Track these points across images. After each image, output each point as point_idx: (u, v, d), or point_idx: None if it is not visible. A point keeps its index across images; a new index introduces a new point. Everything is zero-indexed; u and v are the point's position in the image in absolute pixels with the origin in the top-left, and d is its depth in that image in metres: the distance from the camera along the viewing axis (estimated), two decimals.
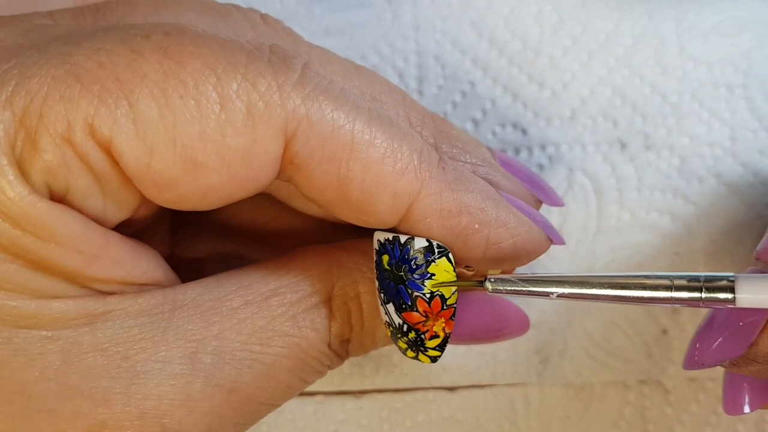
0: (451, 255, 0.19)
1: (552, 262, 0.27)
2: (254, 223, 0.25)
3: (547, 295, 0.19)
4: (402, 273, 0.19)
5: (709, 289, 0.18)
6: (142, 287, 0.19)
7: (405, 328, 0.19)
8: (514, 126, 0.27)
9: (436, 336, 0.19)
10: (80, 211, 0.18)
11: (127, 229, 0.20)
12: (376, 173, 0.18)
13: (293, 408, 0.28)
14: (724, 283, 0.18)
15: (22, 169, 0.17)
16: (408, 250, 0.19)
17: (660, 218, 0.27)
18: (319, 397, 0.28)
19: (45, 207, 0.17)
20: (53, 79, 0.17)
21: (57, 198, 0.17)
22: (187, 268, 0.22)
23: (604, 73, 0.27)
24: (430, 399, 0.28)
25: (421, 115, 0.21)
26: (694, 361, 0.21)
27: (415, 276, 0.19)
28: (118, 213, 0.19)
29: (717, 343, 0.20)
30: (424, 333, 0.19)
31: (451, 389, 0.28)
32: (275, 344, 0.20)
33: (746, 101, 0.26)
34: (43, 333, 0.18)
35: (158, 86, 0.17)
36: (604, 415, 0.28)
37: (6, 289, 0.17)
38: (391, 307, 0.19)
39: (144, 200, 0.19)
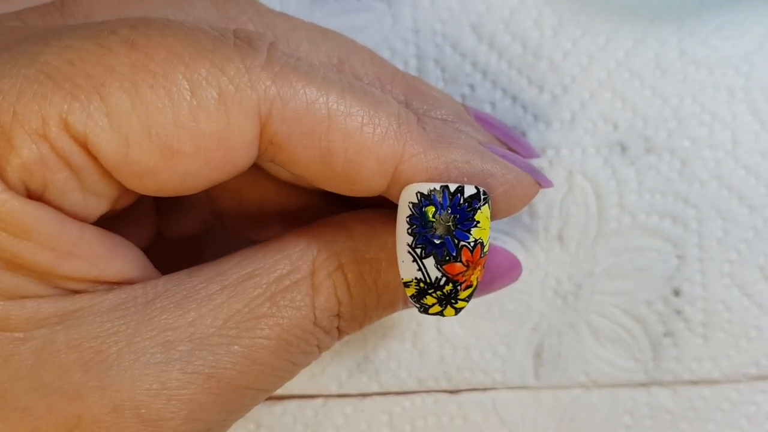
0: (490, 201, 0.20)
1: (552, 265, 0.27)
2: (234, 192, 0.24)
3: None
4: (451, 223, 0.19)
5: None
6: (114, 285, 0.19)
7: (443, 281, 0.19)
8: (514, 129, 0.27)
9: (470, 286, 0.20)
10: (60, 206, 0.18)
11: (109, 213, 0.20)
12: (357, 141, 0.18)
13: (294, 411, 0.28)
14: None
15: None
16: (458, 199, 0.19)
17: (661, 221, 0.27)
18: (319, 401, 0.28)
19: (18, 204, 0.17)
20: (24, 78, 0.17)
21: (35, 196, 0.18)
22: (177, 247, 0.22)
23: (605, 76, 0.27)
24: (431, 402, 0.28)
25: (391, 74, 0.22)
26: None
27: (464, 225, 0.19)
28: (98, 205, 0.19)
29: None
30: (461, 284, 0.19)
31: (451, 392, 0.28)
32: (253, 327, 0.19)
33: (748, 104, 0.26)
34: (16, 335, 0.18)
35: (128, 78, 0.17)
36: (605, 418, 0.28)
37: None
38: (430, 261, 0.19)
39: (124, 190, 0.19)
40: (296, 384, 0.28)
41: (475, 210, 0.19)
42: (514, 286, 0.27)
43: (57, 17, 0.20)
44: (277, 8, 0.27)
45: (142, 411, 0.18)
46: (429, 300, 0.20)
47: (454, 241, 0.19)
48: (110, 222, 0.22)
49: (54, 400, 0.18)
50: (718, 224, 0.27)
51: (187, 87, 0.17)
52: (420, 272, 0.19)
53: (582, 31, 0.27)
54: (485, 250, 0.19)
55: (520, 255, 0.27)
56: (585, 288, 0.27)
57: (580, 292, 0.27)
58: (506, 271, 0.24)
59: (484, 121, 0.23)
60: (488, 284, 0.24)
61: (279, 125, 0.18)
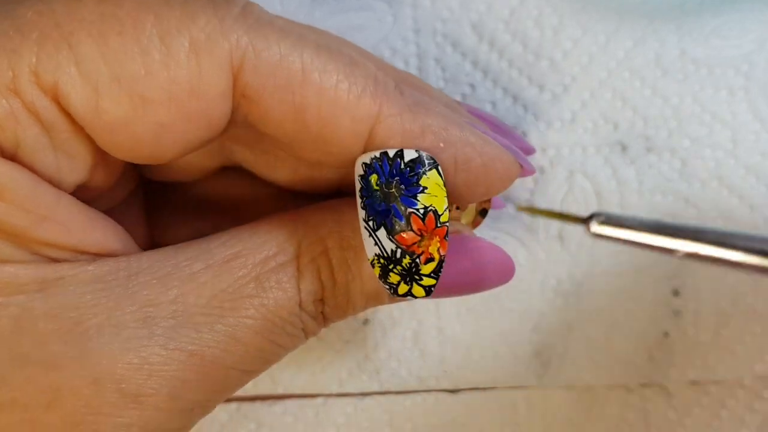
0: (440, 167, 0.19)
1: (552, 264, 0.27)
2: (229, 200, 0.24)
3: (671, 251, 0.15)
4: (393, 189, 0.18)
5: None
6: (96, 256, 0.19)
7: (399, 253, 0.19)
8: (515, 129, 0.27)
9: (431, 259, 0.19)
10: (31, 167, 0.18)
11: (95, 203, 0.20)
12: (331, 98, 0.18)
13: (294, 410, 0.28)
14: None
15: None
16: (398, 164, 0.18)
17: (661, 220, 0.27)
18: (320, 400, 0.28)
19: None
20: None
21: (7, 155, 0.17)
22: None
23: (605, 75, 0.27)
24: (432, 402, 0.28)
25: (380, 62, 0.21)
26: None
27: (408, 190, 0.18)
28: (72, 170, 0.19)
29: None
30: (419, 256, 0.19)
31: (452, 392, 0.28)
32: (238, 306, 0.19)
33: (748, 104, 0.26)
34: None
35: (96, 27, 0.17)
36: (606, 418, 0.28)
37: None
38: (382, 232, 0.19)
39: (100, 157, 0.19)
40: (296, 383, 0.28)
41: (419, 174, 0.18)
42: (515, 285, 0.27)
43: None
44: (278, 7, 0.27)
45: (123, 385, 0.18)
46: (393, 278, 0.19)
47: (400, 208, 0.18)
48: None
49: (32, 370, 0.17)
50: (718, 224, 0.27)
51: (156, 35, 0.17)
52: (377, 247, 0.19)
53: (582, 31, 0.27)
54: (442, 219, 0.19)
55: (521, 254, 0.27)
56: (585, 288, 0.27)
57: (580, 292, 0.27)
58: (496, 269, 0.23)
59: (476, 114, 0.23)
60: (477, 282, 0.23)
61: (251, 76, 0.18)
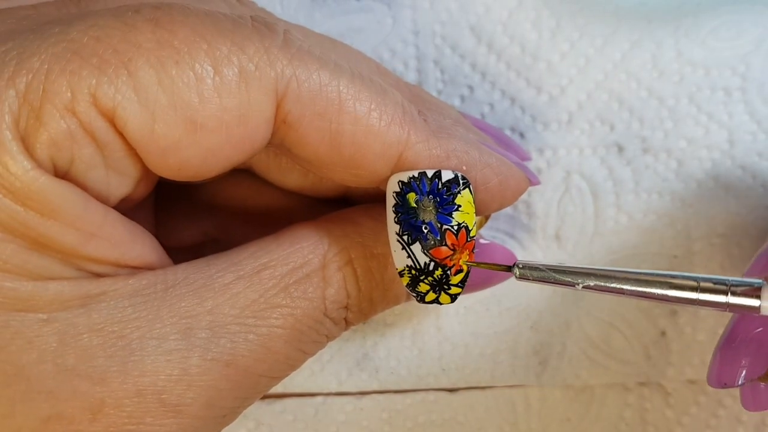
0: (471, 186, 0.20)
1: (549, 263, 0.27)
2: (236, 202, 0.25)
3: (573, 285, 0.19)
4: (431, 207, 0.20)
5: (735, 294, 0.18)
6: (135, 270, 0.20)
7: (432, 266, 0.20)
8: (512, 130, 0.27)
9: (460, 270, 0.20)
10: (83, 184, 0.18)
11: (127, 205, 0.20)
12: (365, 125, 0.19)
13: (294, 409, 0.28)
14: (750, 288, 0.18)
15: (26, 144, 0.17)
16: (436, 184, 0.20)
17: (658, 221, 0.27)
18: (319, 398, 0.28)
19: (47, 182, 0.17)
20: (53, 56, 0.17)
21: (60, 173, 0.18)
22: (174, 258, 0.23)
23: (602, 77, 0.27)
24: (431, 400, 0.28)
25: (395, 82, 0.22)
26: (718, 381, 0.21)
27: (444, 209, 0.20)
28: (120, 186, 0.19)
29: (742, 365, 0.21)
30: (450, 268, 0.20)
31: (451, 391, 0.28)
32: (269, 316, 0.20)
33: (744, 104, 0.26)
34: (40, 315, 0.18)
35: (154, 54, 0.17)
36: (604, 417, 0.28)
37: (4, 270, 0.18)
38: (416, 246, 0.20)
39: (145, 173, 0.19)
40: (296, 382, 0.28)
41: (455, 194, 0.20)
42: (513, 285, 0.27)
43: (73, 10, 0.20)
44: (278, 8, 0.28)
45: (164, 396, 0.18)
46: (423, 287, 0.20)
47: (437, 225, 0.20)
48: None
49: (78, 383, 0.18)
50: (717, 223, 0.27)
51: (210, 64, 0.18)
52: (410, 259, 0.20)
53: (579, 33, 0.27)
54: (471, 234, 0.20)
55: (519, 254, 0.27)
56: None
57: (578, 291, 0.27)
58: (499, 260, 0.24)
59: (480, 127, 0.24)
60: (486, 280, 0.24)
61: (293, 104, 0.19)
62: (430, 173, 0.20)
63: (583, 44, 0.27)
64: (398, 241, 0.20)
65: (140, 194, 0.20)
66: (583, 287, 0.19)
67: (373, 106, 0.19)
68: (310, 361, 0.28)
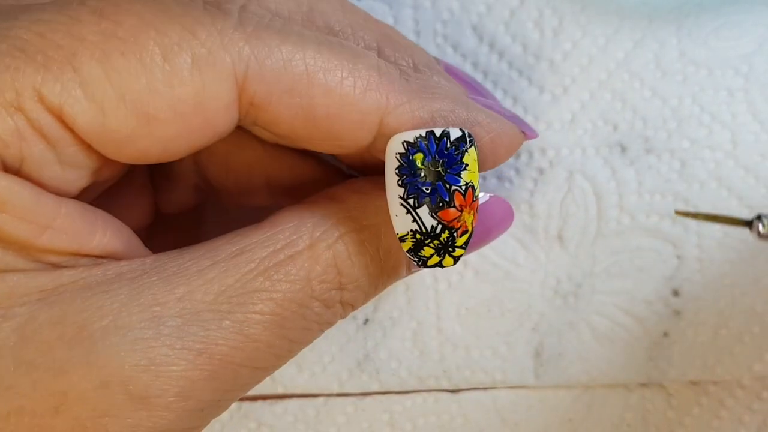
0: (476, 143, 0.19)
1: (552, 265, 0.27)
2: (219, 158, 0.24)
3: None
4: (440, 168, 0.19)
5: None
6: (98, 259, 0.19)
7: (439, 229, 0.19)
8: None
9: (465, 231, 0.20)
10: (38, 180, 0.18)
11: (98, 188, 0.20)
12: (338, 96, 0.18)
13: (295, 410, 0.28)
14: None
15: None
16: (445, 143, 0.19)
17: (660, 221, 0.27)
18: (320, 400, 0.28)
19: None
20: None
21: (12, 170, 0.18)
22: (176, 226, 0.22)
23: (605, 77, 0.27)
24: (432, 402, 0.28)
25: (362, 20, 0.21)
26: None
27: (453, 168, 0.19)
28: (78, 178, 0.19)
29: None
30: (457, 229, 0.19)
31: (452, 392, 0.28)
32: (246, 301, 0.19)
33: (747, 105, 0.26)
34: None
35: (98, 47, 0.17)
36: (605, 418, 0.28)
37: None
38: (423, 210, 0.19)
39: (105, 161, 0.19)
40: (297, 383, 0.28)
41: (463, 153, 0.19)
42: (514, 286, 0.27)
43: None
44: None
45: (130, 387, 0.18)
46: (427, 251, 0.20)
47: (446, 186, 0.19)
48: (106, 199, 0.22)
49: (38, 376, 0.17)
50: (717, 225, 0.27)
51: (159, 52, 0.17)
52: (415, 223, 0.19)
53: (582, 33, 0.27)
54: (477, 193, 0.19)
55: (521, 255, 0.27)
56: (585, 288, 0.27)
57: (579, 292, 0.27)
58: (501, 219, 0.24)
59: (453, 73, 0.23)
60: (485, 234, 0.24)
61: (257, 85, 0.18)
62: (438, 132, 0.19)
63: (585, 43, 0.27)
64: (402, 205, 0.19)
65: (108, 177, 0.20)
66: None
67: (345, 74, 0.18)
68: (311, 362, 0.28)
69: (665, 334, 0.27)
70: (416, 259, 0.20)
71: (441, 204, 0.19)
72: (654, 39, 0.26)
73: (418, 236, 0.19)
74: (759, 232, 0.17)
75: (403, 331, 0.28)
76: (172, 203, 0.25)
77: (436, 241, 0.19)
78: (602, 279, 0.27)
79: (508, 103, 0.27)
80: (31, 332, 0.18)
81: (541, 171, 0.27)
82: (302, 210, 0.21)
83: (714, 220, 0.17)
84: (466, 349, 0.27)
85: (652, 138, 0.27)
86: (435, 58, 0.23)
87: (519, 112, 0.27)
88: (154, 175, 0.25)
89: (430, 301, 0.27)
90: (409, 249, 0.20)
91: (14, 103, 0.17)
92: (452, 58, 0.27)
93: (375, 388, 0.28)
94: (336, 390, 0.28)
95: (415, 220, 0.19)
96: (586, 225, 0.27)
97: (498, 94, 0.27)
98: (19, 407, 0.18)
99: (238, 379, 0.19)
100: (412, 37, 0.28)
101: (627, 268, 0.27)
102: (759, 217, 0.16)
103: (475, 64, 0.27)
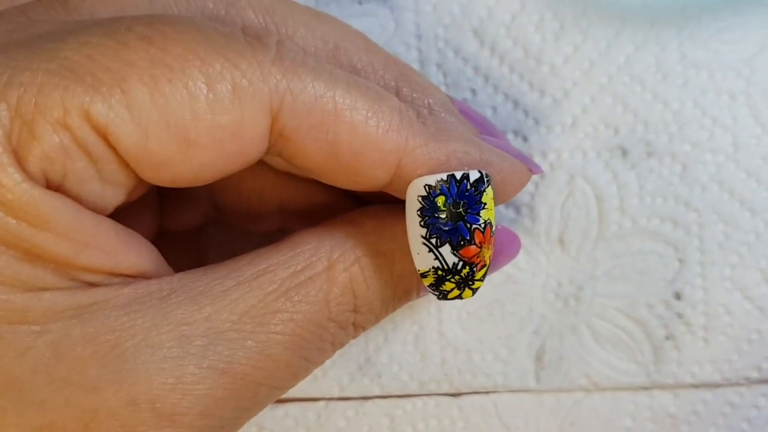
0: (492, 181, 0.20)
1: (553, 268, 0.27)
2: (232, 183, 0.25)
3: None
4: (461, 209, 0.20)
5: None
6: (130, 278, 0.20)
7: (460, 265, 0.20)
8: (516, 133, 0.27)
9: (484, 265, 0.20)
10: (77, 197, 0.18)
11: (121, 205, 0.20)
12: (362, 134, 0.19)
13: (295, 414, 0.28)
14: None
15: (19, 157, 0.17)
16: (465, 185, 0.20)
17: (662, 225, 0.27)
18: (321, 404, 0.28)
19: (39, 194, 0.17)
20: (46, 72, 0.17)
21: (54, 186, 0.18)
22: (178, 241, 0.23)
23: (606, 80, 0.27)
24: (432, 406, 0.28)
25: (383, 59, 0.22)
26: None
27: (473, 209, 0.20)
28: (114, 196, 0.19)
29: None
30: (476, 265, 0.20)
31: (453, 396, 0.28)
32: (268, 321, 0.20)
33: (749, 108, 0.26)
34: (33, 327, 0.18)
35: (147, 72, 0.17)
36: (607, 421, 0.28)
37: None
38: (446, 248, 0.20)
39: (139, 181, 0.19)
40: (298, 387, 0.28)
41: (482, 193, 0.20)
42: (516, 289, 0.27)
43: (62, 12, 0.20)
44: None
45: (158, 405, 0.18)
46: (448, 286, 0.20)
47: (466, 225, 0.20)
48: (113, 215, 0.22)
49: (70, 393, 0.18)
50: (719, 228, 0.27)
51: (203, 81, 0.18)
52: (437, 260, 0.20)
53: (583, 36, 0.27)
54: (494, 228, 0.20)
55: (522, 258, 0.27)
56: (586, 291, 0.27)
57: (581, 295, 0.27)
58: (508, 246, 0.25)
59: (465, 112, 0.24)
60: (494, 263, 0.24)
61: (289, 118, 0.19)
62: (458, 175, 0.20)
63: (586, 47, 0.27)
64: (424, 244, 0.20)
65: (137, 196, 0.20)
66: None
67: (369, 115, 0.19)
68: None
69: (667, 338, 0.27)
70: (437, 293, 0.21)
71: (462, 242, 0.20)
72: (655, 42, 0.26)
73: (439, 272, 0.20)
74: None
75: (404, 335, 0.27)
76: (177, 222, 0.25)
77: (457, 277, 0.20)
78: (604, 282, 0.27)
79: (509, 107, 0.27)
80: (65, 349, 0.18)
81: (542, 174, 0.27)
82: (321, 232, 0.21)
83: None
84: (468, 353, 0.27)
85: (653, 141, 0.27)
86: (449, 96, 0.24)
87: (520, 115, 0.27)
88: (164, 195, 0.25)
89: (431, 305, 0.27)
90: (431, 284, 0.20)
91: (61, 121, 0.17)
92: (453, 62, 0.27)
93: (376, 392, 0.28)
94: (337, 394, 0.28)
95: (437, 258, 0.20)
96: (587, 228, 0.27)
97: (499, 98, 0.27)
98: (50, 423, 0.18)
99: (257, 397, 0.20)
100: (413, 41, 0.28)
101: (628, 272, 0.27)
102: None
103: (476, 68, 0.27)
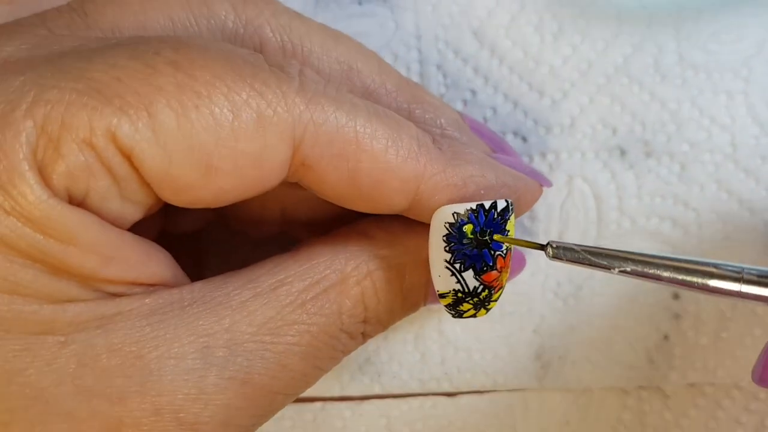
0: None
1: (552, 268, 0.27)
2: None
3: (609, 268, 0.19)
4: (487, 237, 0.20)
5: None
6: (150, 288, 0.20)
7: (480, 289, 0.20)
8: (515, 134, 0.27)
9: (501, 287, 0.21)
10: (98, 213, 0.18)
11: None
12: (382, 162, 0.19)
13: (293, 415, 0.28)
14: None
15: (43, 174, 0.17)
16: (493, 214, 0.20)
17: (660, 224, 0.27)
18: (318, 404, 0.28)
19: (64, 210, 0.17)
20: (73, 91, 0.17)
21: (76, 202, 0.18)
22: (178, 242, 0.23)
23: (604, 81, 0.27)
24: (430, 405, 0.28)
25: (396, 81, 0.23)
26: (762, 380, 0.21)
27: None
28: (134, 213, 0.19)
29: None
30: (495, 288, 0.21)
31: (450, 395, 0.28)
32: (285, 333, 0.20)
33: (747, 108, 0.26)
34: (58, 338, 0.18)
35: (175, 98, 0.18)
36: (603, 420, 0.28)
37: (24, 295, 0.18)
38: (469, 273, 0.20)
39: (158, 200, 0.19)
40: None
41: (506, 221, 0.20)
42: (515, 288, 0.27)
43: (82, 27, 0.20)
44: None
45: (181, 415, 0.19)
46: (465, 306, 0.21)
47: (491, 252, 0.20)
48: None
49: (96, 404, 0.18)
50: (718, 227, 0.27)
51: (229, 108, 0.18)
52: (459, 284, 0.20)
53: (581, 37, 0.27)
54: (511, 252, 0.21)
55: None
56: (585, 290, 0.27)
57: (580, 295, 0.27)
58: (518, 266, 0.26)
59: (476, 130, 0.25)
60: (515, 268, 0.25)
61: (311, 147, 0.19)
62: (487, 204, 0.20)
63: (584, 48, 0.27)
64: (447, 268, 0.20)
65: (153, 212, 0.21)
66: (620, 272, 0.19)
67: (389, 143, 0.20)
68: None
69: (666, 338, 0.27)
70: (453, 312, 0.21)
71: (485, 268, 0.20)
72: (653, 43, 0.27)
73: (459, 295, 0.21)
74: (550, 255, 0.19)
75: (404, 334, 0.27)
76: (178, 226, 0.26)
77: (476, 299, 0.21)
78: (602, 282, 0.27)
79: (508, 108, 0.27)
80: (89, 359, 0.18)
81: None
82: (335, 243, 0.22)
83: (516, 243, 0.20)
84: (468, 352, 0.27)
85: (651, 141, 0.27)
86: (459, 113, 0.24)
87: (519, 116, 0.27)
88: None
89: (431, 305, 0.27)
90: (449, 304, 0.21)
91: (87, 140, 0.17)
92: (453, 63, 0.28)
93: (376, 391, 0.28)
94: (337, 393, 0.28)
95: (459, 281, 0.20)
96: (586, 228, 0.27)
97: (498, 99, 0.27)
98: None
99: (273, 405, 0.21)
100: (413, 41, 0.28)
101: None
102: (548, 243, 0.19)
103: (475, 69, 0.27)
